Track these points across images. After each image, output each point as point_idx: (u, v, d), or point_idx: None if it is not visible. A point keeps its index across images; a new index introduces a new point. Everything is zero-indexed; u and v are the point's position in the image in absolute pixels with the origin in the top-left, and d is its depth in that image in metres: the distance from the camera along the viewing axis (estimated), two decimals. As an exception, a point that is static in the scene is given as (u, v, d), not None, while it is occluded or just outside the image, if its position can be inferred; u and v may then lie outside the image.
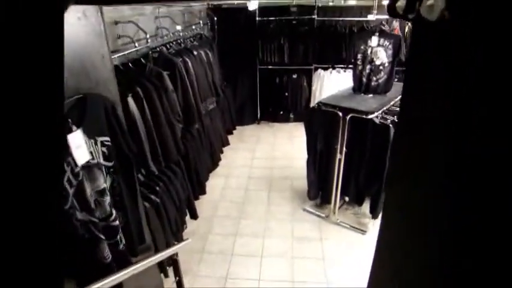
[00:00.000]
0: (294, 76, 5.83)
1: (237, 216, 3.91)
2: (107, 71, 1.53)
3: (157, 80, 2.91)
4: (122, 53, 2.91)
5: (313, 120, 3.63)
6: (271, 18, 5.59)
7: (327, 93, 4.08)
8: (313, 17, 5.43)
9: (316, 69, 5.78)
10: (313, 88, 5.88)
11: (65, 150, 1.06)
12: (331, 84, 5.53)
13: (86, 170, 1.27)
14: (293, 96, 5.95)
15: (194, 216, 3.67)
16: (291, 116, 6.25)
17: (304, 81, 5.87)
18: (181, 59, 3.51)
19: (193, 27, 4.83)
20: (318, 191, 3.92)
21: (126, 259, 1.48)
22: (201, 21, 5.07)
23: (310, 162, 3.79)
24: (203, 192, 4.05)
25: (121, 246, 1.45)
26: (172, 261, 1.92)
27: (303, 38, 5.54)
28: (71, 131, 1.19)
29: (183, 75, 3.44)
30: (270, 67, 5.84)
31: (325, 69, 5.71)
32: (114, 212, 1.40)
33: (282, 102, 6.04)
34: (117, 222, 1.42)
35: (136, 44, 3.17)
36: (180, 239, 3.30)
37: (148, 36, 3.27)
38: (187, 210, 3.61)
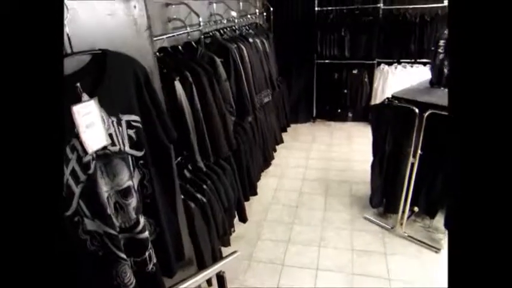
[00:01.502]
0: (355, 71, 5.26)
1: (289, 221, 3.46)
2: (141, 35, 1.13)
3: (210, 66, 2.52)
4: (171, 34, 2.57)
5: (382, 118, 3.09)
6: (331, 8, 5.07)
7: (391, 91, 3.48)
8: (379, 5, 4.83)
9: (379, 64, 5.18)
10: (375, 85, 5.28)
11: (65, 127, 0.67)
12: (396, 81, 4.92)
13: (101, 160, 0.89)
14: (352, 93, 5.38)
15: (243, 219, 3.26)
16: (350, 114, 5.69)
17: (366, 77, 5.28)
18: (235, 46, 3.12)
19: (249, 16, 4.44)
20: (382, 198, 3.37)
21: (157, 284, 1.08)
22: (257, 11, 4.67)
23: (376, 165, 3.25)
24: (254, 193, 3.63)
25: (150, 266, 1.04)
26: (218, 278, 1.51)
27: (366, 30, 4.93)
28: (78, 99, 0.80)
29: (237, 63, 3.05)
30: (328, 61, 5.31)
31: (389, 64, 5.09)
32: (142, 220, 1.00)
33: (340, 99, 5.47)
34: (145, 234, 1.01)
35: (188, 28, 2.83)
36: (226, 243, 2.91)
37: (201, 19, 2.91)
38: (236, 212, 3.22)
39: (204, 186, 2.53)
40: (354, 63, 5.19)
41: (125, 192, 0.95)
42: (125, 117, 0.95)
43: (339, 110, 5.65)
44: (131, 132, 0.97)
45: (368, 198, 3.42)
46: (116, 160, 0.92)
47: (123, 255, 0.93)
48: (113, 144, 0.91)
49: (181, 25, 2.92)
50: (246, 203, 3.39)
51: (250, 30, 3.86)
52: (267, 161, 4.16)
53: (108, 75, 0.90)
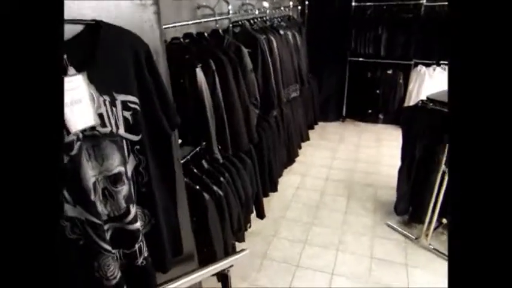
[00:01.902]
0: (389, 72, 5.02)
1: (308, 221, 3.33)
2: (146, 9, 1.01)
3: (235, 56, 2.43)
4: (198, 21, 2.50)
5: (414, 121, 2.90)
6: (370, 4, 4.84)
7: (427, 94, 3.23)
8: (421, 1, 4.55)
9: (416, 64, 4.90)
10: (410, 87, 5.02)
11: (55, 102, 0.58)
12: (433, 83, 4.64)
13: (89, 141, 0.80)
14: (385, 94, 5.14)
15: (261, 215, 3.16)
16: (380, 116, 5.45)
17: (401, 78, 5.03)
18: (264, 36, 3.01)
19: (282, 8, 4.31)
20: (408, 206, 3.18)
21: (147, 279, 0.99)
22: (291, 3, 4.53)
23: (404, 171, 3.07)
24: (274, 189, 3.53)
25: (140, 260, 0.96)
26: (222, 276, 1.42)
27: (404, 28, 4.66)
28: (63, 73, 0.74)
29: (265, 54, 2.94)
30: (361, 59, 5.10)
31: (427, 65, 4.80)
32: (133, 209, 0.91)
33: (371, 100, 5.25)
34: (136, 225, 0.93)
35: (217, 16, 2.76)
36: (241, 238, 2.82)
37: (230, 7, 2.82)
38: (253, 208, 3.13)
39: (222, 179, 2.45)
40: (389, 63, 4.95)
41: (115, 179, 0.86)
42: (121, 97, 0.86)
43: (370, 111, 5.43)
44: (127, 114, 0.88)
45: (393, 205, 3.24)
46: (106, 143, 0.83)
47: (107, 247, 0.85)
48: (103, 125, 0.82)
49: (210, 13, 2.84)
50: (265, 199, 3.29)
51: (282, 23, 3.73)
52: (290, 157, 4.04)
53: (102, 49, 0.80)
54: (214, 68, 2.13)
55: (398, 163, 3.08)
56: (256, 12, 3.50)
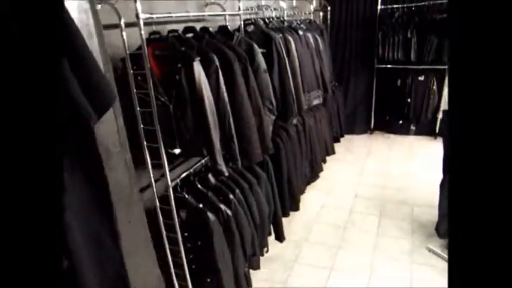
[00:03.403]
0: (421, 78, 4.54)
1: (335, 244, 2.87)
2: None
3: (246, 53, 2.07)
4: (201, 13, 2.17)
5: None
6: (397, 6, 4.43)
7: None
8: (456, 1, 4.09)
9: (451, 70, 4.41)
10: (445, 94, 4.52)
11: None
12: (471, 89, 4.13)
13: None
14: (417, 103, 4.65)
15: (280, 237, 2.74)
16: (412, 127, 4.94)
17: (434, 85, 4.53)
18: (281, 35, 2.65)
19: (302, 13, 3.96)
20: (453, 226, 2.68)
21: None
22: (312, 7, 4.18)
23: (447, 186, 2.58)
24: (296, 208, 3.10)
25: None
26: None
27: (437, 30, 4.19)
28: None
29: (281, 55, 2.57)
30: (390, 66, 4.64)
31: (464, 70, 4.31)
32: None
33: (402, 109, 4.75)
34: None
35: (227, 15, 2.44)
36: (256, 265, 2.40)
37: (241, 4, 2.48)
38: (272, 229, 2.71)
39: (231, 196, 2.06)
40: (421, 68, 4.46)
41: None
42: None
43: (401, 122, 4.93)
44: None
45: (434, 226, 2.75)
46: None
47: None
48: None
49: (219, 10, 2.52)
50: (285, 219, 2.87)
51: (302, 25, 3.37)
52: (314, 172, 3.61)
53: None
54: (217, 63, 1.77)
55: (435, 178, 2.62)
56: (273, 14, 3.16)
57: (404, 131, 4.98)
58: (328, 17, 4.68)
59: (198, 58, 1.66)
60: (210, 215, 1.89)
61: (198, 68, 1.66)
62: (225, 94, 1.83)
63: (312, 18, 4.06)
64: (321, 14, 4.70)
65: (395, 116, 4.92)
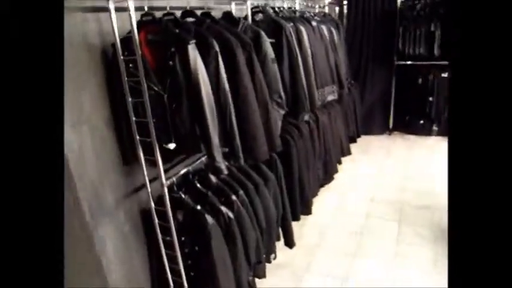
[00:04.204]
0: (444, 75, 4.23)
1: (350, 252, 2.64)
2: None
3: (252, 41, 1.88)
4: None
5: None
6: (419, -3, 4.17)
7: None
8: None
9: (477, 65, 4.11)
10: (470, 92, 4.22)
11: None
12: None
13: None
14: (440, 101, 4.36)
15: (290, 243, 2.52)
16: (434, 128, 4.65)
17: (458, 83, 4.24)
18: (292, 24, 2.45)
19: (317, 6, 3.75)
20: (481, 233, 2.43)
21: None
22: (326, 1, 3.96)
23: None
24: (307, 211, 2.87)
25: None
26: None
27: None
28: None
29: (292, 46, 2.37)
30: (410, 62, 4.36)
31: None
32: None
33: (423, 109, 4.45)
34: None
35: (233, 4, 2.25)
36: (261, 274, 2.19)
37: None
38: (282, 234, 2.50)
39: (234, 197, 1.87)
40: (445, 64, 4.16)
41: None
42: None
43: (422, 122, 4.63)
44: None
45: (460, 233, 2.48)
46: None
47: None
48: None
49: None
50: (295, 224, 2.66)
51: (316, 17, 3.16)
52: (328, 174, 3.37)
53: None
54: (217, 49, 1.58)
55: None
56: (285, 4, 2.96)
57: (425, 131, 4.69)
58: (345, 11, 4.44)
59: (194, 41, 1.47)
60: (208, 218, 1.69)
61: (193, 53, 1.47)
62: (226, 84, 1.64)
63: (326, 11, 3.84)
64: (337, 8, 4.47)
65: (416, 115, 4.62)
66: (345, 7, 4.47)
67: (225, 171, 1.60)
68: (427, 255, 2.54)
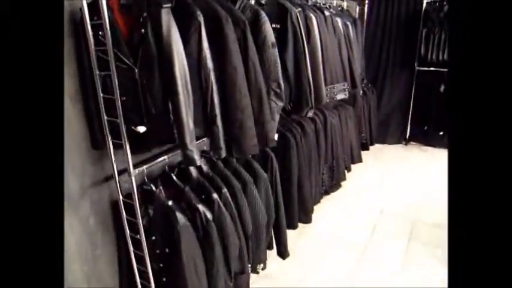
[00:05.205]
0: (469, 84, 3.91)
1: (353, 266, 2.35)
2: None
3: (250, 21, 1.64)
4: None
5: None
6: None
7: None
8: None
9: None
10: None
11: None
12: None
13: None
14: (463, 112, 4.01)
15: (283, 253, 2.25)
16: (455, 140, 4.29)
17: (484, 93, 3.89)
18: (300, 10, 2.20)
19: (334, 2, 3.48)
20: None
21: None
22: (344, 3, 3.70)
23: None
24: (307, 219, 2.60)
25: None
26: None
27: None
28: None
29: (298, 32, 2.12)
30: (433, 69, 4.02)
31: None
32: None
33: (444, 119, 4.13)
34: None
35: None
36: (244, 286, 1.92)
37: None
38: (274, 242, 2.23)
39: (215, 195, 1.61)
40: (470, 72, 3.84)
41: None
42: None
43: (441, 133, 4.28)
44: None
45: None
46: None
47: None
48: None
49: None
50: (292, 232, 2.39)
51: (331, 9, 2.90)
52: (334, 180, 3.09)
53: None
54: (201, 20, 1.35)
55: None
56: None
57: (445, 144, 4.32)
58: (365, 10, 4.17)
59: (169, 5, 1.24)
60: (179, 216, 1.44)
61: (166, 18, 1.23)
62: (209, 60, 1.40)
63: (345, 7, 3.57)
64: (357, 8, 4.19)
65: (436, 126, 4.27)
66: (366, 6, 4.18)
67: (198, 162, 1.35)
68: (439, 276, 2.22)
